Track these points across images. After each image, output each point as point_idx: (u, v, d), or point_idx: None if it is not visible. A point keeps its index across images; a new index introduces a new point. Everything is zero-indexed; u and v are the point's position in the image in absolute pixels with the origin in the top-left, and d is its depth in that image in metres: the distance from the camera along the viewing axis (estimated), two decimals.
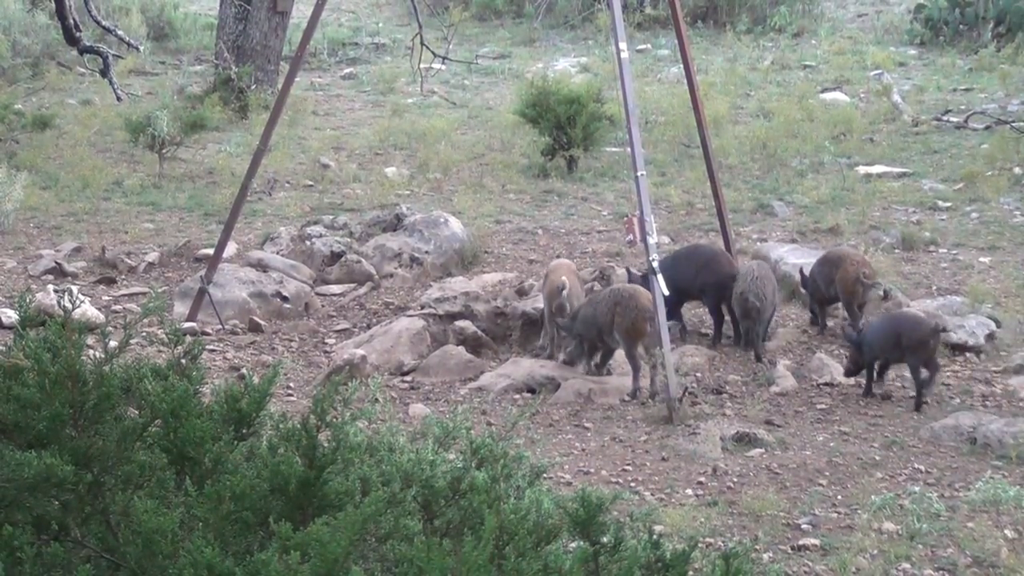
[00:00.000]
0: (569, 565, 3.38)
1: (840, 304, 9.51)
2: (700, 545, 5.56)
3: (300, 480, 3.35)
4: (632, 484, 7.01)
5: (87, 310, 8.86)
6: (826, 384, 8.60)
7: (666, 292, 8.13)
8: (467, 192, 12.92)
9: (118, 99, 15.11)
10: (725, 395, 8.43)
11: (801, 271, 9.68)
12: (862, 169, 13.48)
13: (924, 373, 8.27)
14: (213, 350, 8.99)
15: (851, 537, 6.27)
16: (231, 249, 10.57)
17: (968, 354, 9.02)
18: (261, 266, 10.34)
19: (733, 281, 9.15)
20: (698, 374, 8.76)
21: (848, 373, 8.59)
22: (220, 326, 9.53)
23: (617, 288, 8.86)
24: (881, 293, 9.63)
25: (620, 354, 8.81)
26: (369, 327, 9.54)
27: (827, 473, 7.16)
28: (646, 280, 9.22)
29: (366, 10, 23.03)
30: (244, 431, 3.59)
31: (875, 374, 8.49)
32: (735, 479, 7.07)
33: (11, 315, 9.03)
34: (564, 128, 13.60)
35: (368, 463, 3.59)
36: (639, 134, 8.59)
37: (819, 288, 9.51)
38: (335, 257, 10.76)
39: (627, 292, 8.63)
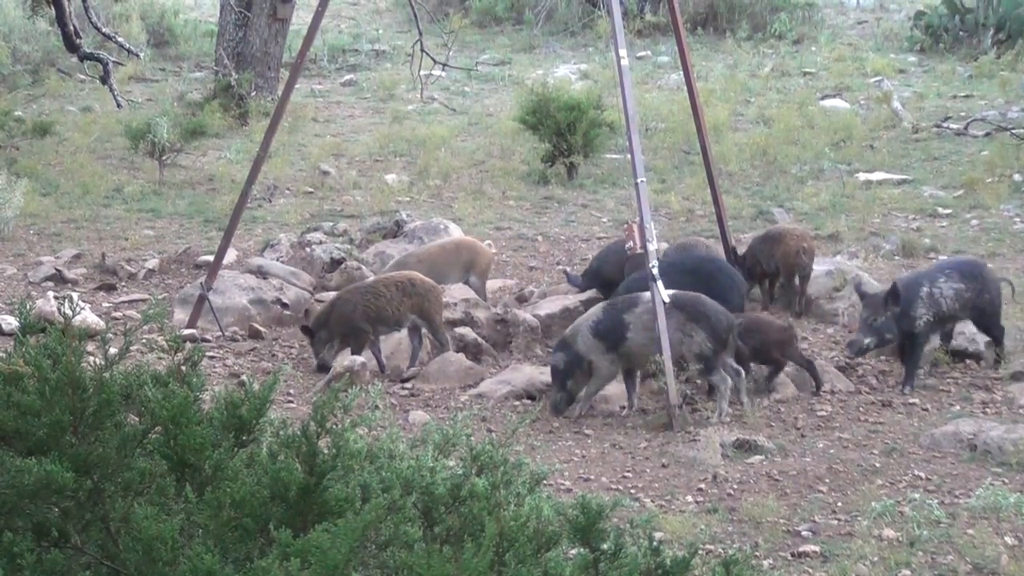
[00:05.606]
0: (569, 572, 3.38)
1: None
2: (700, 552, 5.54)
3: (300, 487, 3.35)
4: (632, 491, 7.00)
5: (87, 317, 8.85)
6: (826, 391, 8.59)
7: (666, 299, 8.13)
8: (467, 199, 12.92)
9: (118, 106, 15.13)
10: None
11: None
12: (862, 176, 13.49)
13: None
14: (213, 357, 8.98)
15: (851, 544, 6.26)
16: (231, 256, 10.57)
17: (968, 360, 9.01)
18: (261, 273, 10.33)
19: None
20: (698, 381, 8.75)
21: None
22: (220, 333, 9.53)
23: (399, 278, 9.10)
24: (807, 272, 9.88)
25: None
26: None
27: (827, 480, 7.15)
28: (586, 279, 9.78)
29: (366, 17, 23.06)
30: (244, 438, 3.59)
31: None
32: (735, 486, 7.06)
33: (11, 322, 9.03)
34: (564, 135, 13.60)
35: (368, 470, 3.59)
36: (639, 141, 8.59)
37: (759, 264, 9.95)
38: (335, 264, 10.75)
39: (415, 279, 9.03)
